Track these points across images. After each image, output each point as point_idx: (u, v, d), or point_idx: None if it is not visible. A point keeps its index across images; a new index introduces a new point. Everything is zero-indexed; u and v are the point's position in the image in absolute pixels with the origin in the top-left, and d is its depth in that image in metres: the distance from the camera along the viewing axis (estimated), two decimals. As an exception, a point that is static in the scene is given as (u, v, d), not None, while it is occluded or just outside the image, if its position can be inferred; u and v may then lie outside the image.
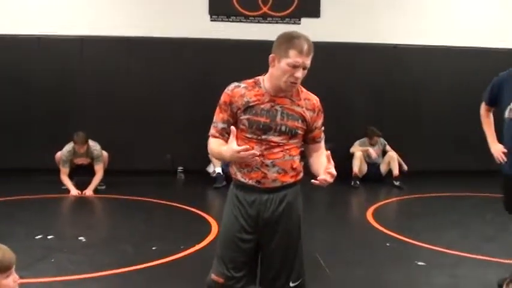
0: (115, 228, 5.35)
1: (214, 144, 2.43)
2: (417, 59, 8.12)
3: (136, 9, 7.81)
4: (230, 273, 2.43)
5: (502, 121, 3.49)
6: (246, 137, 2.39)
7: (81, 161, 6.70)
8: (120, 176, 7.10)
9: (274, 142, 2.38)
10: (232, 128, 2.29)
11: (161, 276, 3.86)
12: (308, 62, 2.33)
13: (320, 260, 4.14)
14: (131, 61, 7.74)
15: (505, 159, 3.43)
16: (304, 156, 2.58)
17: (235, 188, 2.48)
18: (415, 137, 8.06)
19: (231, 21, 7.97)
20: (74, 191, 6.49)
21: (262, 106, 2.38)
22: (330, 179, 2.25)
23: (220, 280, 2.44)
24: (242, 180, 2.42)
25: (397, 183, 7.33)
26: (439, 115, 8.14)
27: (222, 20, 7.97)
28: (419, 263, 4.16)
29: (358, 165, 7.49)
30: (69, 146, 6.62)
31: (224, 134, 2.41)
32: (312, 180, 2.28)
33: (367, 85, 8.08)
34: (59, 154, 6.68)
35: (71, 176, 6.66)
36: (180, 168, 7.79)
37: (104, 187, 6.83)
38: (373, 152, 7.59)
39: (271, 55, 2.38)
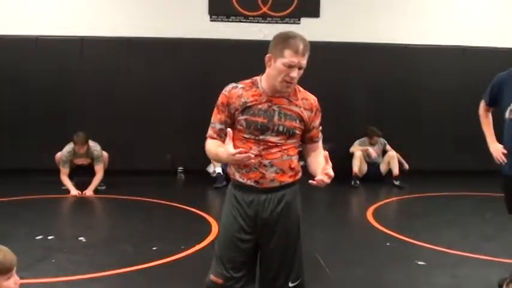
0: (115, 228, 5.35)
1: (212, 146, 2.43)
2: (417, 58, 8.12)
3: (136, 10, 7.81)
4: (229, 274, 2.43)
5: (502, 121, 3.48)
6: (244, 137, 2.40)
7: (81, 161, 6.70)
8: (120, 176, 7.10)
9: (272, 142, 2.38)
10: (229, 130, 2.29)
11: (161, 277, 3.86)
12: (304, 62, 2.33)
13: (320, 260, 4.14)
14: (131, 61, 7.75)
15: (505, 160, 3.42)
16: (303, 156, 2.59)
17: (233, 188, 2.48)
18: (415, 136, 8.06)
19: (230, 21, 7.97)
20: (74, 191, 6.49)
21: (259, 106, 2.38)
22: (327, 180, 2.25)
23: (219, 281, 2.44)
24: (240, 180, 2.43)
25: (397, 182, 7.33)
26: (440, 115, 8.14)
27: (222, 20, 7.97)
28: (420, 263, 4.16)
29: (358, 165, 7.49)
30: (69, 147, 6.62)
31: (222, 135, 2.40)
32: (310, 181, 2.28)
33: (366, 85, 8.09)
34: (58, 154, 6.68)
35: (71, 177, 6.66)
36: (180, 168, 7.79)
37: (104, 187, 6.83)
38: (372, 151, 7.59)
39: (267, 55, 2.38)
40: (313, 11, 8.05)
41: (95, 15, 7.70)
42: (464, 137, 7.86)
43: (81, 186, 6.59)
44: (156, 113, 7.74)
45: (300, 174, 2.49)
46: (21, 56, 7.52)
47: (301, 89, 2.49)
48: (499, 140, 3.56)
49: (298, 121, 2.42)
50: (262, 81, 2.43)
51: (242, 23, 7.95)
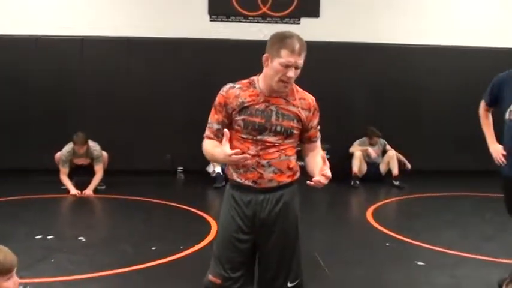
0: (115, 228, 5.35)
1: (209, 146, 2.43)
2: (417, 58, 8.11)
3: (136, 10, 7.81)
4: (227, 274, 2.43)
5: (502, 122, 3.48)
6: (242, 137, 2.40)
7: (81, 161, 6.70)
8: (120, 176, 7.10)
9: (269, 142, 2.38)
10: (226, 131, 2.29)
11: (161, 277, 3.86)
12: (300, 61, 2.33)
13: (319, 260, 4.14)
14: (131, 61, 7.74)
15: (504, 162, 3.42)
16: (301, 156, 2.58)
17: (231, 189, 2.48)
18: (415, 136, 8.06)
19: (230, 21, 7.97)
20: (74, 191, 6.49)
21: (257, 106, 2.38)
22: (324, 181, 2.25)
23: (218, 281, 2.44)
24: (238, 180, 2.43)
25: (396, 183, 7.33)
26: (439, 115, 8.14)
27: (222, 20, 7.97)
28: (419, 263, 4.16)
29: (357, 165, 7.49)
30: (68, 147, 6.62)
31: (219, 135, 2.40)
32: (307, 182, 2.28)
33: (366, 85, 8.08)
34: (58, 154, 6.68)
35: (70, 176, 6.66)
36: (179, 168, 7.79)
37: (103, 187, 6.83)
38: (372, 151, 7.59)
39: (264, 55, 2.38)
40: (313, 11, 8.05)
41: (94, 15, 7.70)
42: (464, 137, 7.85)
43: (81, 186, 6.59)
44: (156, 113, 7.74)
45: (298, 174, 2.49)
46: (21, 56, 7.52)
47: (299, 88, 2.49)
48: (499, 140, 3.55)
49: (295, 121, 2.41)
50: (260, 81, 2.43)
51: (242, 23, 7.95)
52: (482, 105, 3.67)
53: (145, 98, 7.74)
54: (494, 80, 3.53)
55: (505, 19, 8.33)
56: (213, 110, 2.46)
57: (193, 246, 4.43)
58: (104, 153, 6.82)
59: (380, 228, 5.23)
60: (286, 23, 7.97)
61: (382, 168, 7.67)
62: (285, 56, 2.29)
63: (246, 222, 2.42)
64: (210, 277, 2.47)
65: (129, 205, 6.17)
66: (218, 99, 2.44)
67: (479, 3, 8.36)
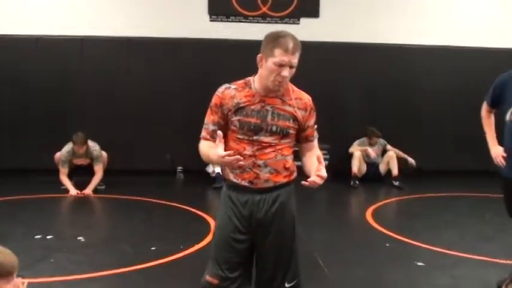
0: (114, 228, 5.35)
1: (205, 147, 2.43)
2: (417, 59, 8.11)
3: (136, 10, 7.80)
4: (225, 274, 2.43)
5: (503, 123, 3.47)
6: (238, 138, 2.40)
7: (81, 161, 6.70)
8: (120, 175, 7.10)
9: (265, 142, 2.38)
10: (219, 132, 2.28)
11: (160, 277, 3.86)
12: (294, 60, 2.32)
13: (319, 260, 4.14)
14: (131, 61, 7.74)
15: (504, 164, 3.41)
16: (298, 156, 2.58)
17: (228, 189, 2.48)
18: (414, 137, 8.05)
19: (230, 21, 7.98)
20: (73, 191, 6.49)
21: (252, 107, 2.38)
22: (319, 181, 2.25)
23: (215, 281, 2.44)
24: (235, 180, 2.43)
25: (396, 183, 7.32)
26: (439, 115, 8.14)
27: (222, 20, 7.97)
28: (419, 264, 4.16)
29: (357, 165, 7.49)
30: (68, 147, 6.61)
31: (215, 136, 2.38)
32: (302, 182, 2.27)
33: (366, 85, 8.08)
34: (58, 154, 6.68)
35: (70, 176, 6.66)
36: (179, 168, 7.79)
37: (103, 187, 6.83)
38: (372, 151, 7.58)
39: (258, 55, 2.38)
40: (313, 11, 8.05)
41: (94, 15, 7.70)
42: (463, 137, 7.86)
43: (81, 186, 6.59)
44: (156, 113, 7.74)
45: (295, 174, 2.49)
46: (21, 56, 7.52)
47: (295, 88, 2.48)
48: (500, 141, 3.54)
49: (291, 121, 2.41)
50: (255, 81, 2.42)
51: (242, 23, 7.95)
52: (485, 106, 3.66)
53: (145, 98, 7.74)
54: (496, 81, 3.53)
55: (504, 19, 8.33)
56: (208, 111, 2.46)
57: (193, 246, 4.43)
58: (104, 153, 6.82)
59: (380, 228, 5.23)
60: (286, 23, 7.97)
61: (382, 168, 7.67)
62: (278, 55, 2.29)
63: (243, 223, 2.42)
64: (208, 277, 2.47)
65: (128, 205, 6.17)
66: (214, 100, 2.45)
67: (479, 4, 8.36)
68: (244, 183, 2.40)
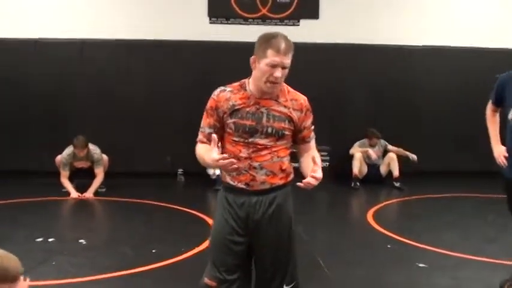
0: (115, 230, 5.35)
1: (201, 150, 2.43)
2: (417, 59, 8.11)
3: (135, 12, 7.81)
4: (223, 276, 2.42)
5: (505, 123, 3.46)
6: (234, 140, 2.40)
7: (81, 164, 6.69)
8: (120, 178, 7.10)
9: (261, 144, 2.37)
10: (213, 136, 2.28)
11: (161, 279, 3.86)
12: (287, 61, 2.31)
13: (320, 261, 4.14)
14: (131, 64, 7.75)
15: (506, 163, 3.40)
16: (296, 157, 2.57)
17: (225, 191, 2.48)
18: (415, 137, 8.04)
19: (230, 23, 7.98)
20: (74, 194, 6.48)
21: (247, 109, 2.38)
22: (314, 182, 2.24)
23: (213, 283, 2.44)
24: (231, 183, 2.42)
25: (397, 184, 7.32)
26: (440, 115, 8.13)
27: (221, 22, 7.97)
28: (420, 265, 4.16)
29: (358, 167, 7.48)
30: (69, 150, 6.61)
31: (211, 139, 2.41)
32: (297, 183, 2.28)
33: (366, 86, 8.08)
34: (59, 157, 6.68)
35: (71, 179, 6.66)
36: (180, 171, 7.78)
37: (104, 189, 6.83)
38: (372, 153, 7.57)
39: (251, 57, 2.38)
40: (312, 13, 8.05)
41: (95, 18, 7.70)
42: (465, 138, 7.86)
43: (82, 188, 6.58)
44: (156, 115, 7.74)
45: (292, 176, 2.48)
46: (21, 59, 7.53)
47: (290, 89, 2.48)
48: (504, 142, 3.53)
49: (287, 122, 2.40)
50: (250, 83, 2.42)
51: (241, 25, 7.96)
52: (489, 105, 3.64)
53: (146, 100, 7.74)
54: (498, 80, 3.52)
55: (505, 19, 8.33)
56: (204, 114, 2.47)
57: (194, 248, 4.42)
58: (105, 157, 6.82)
59: (381, 229, 5.22)
60: (285, 24, 7.97)
61: (383, 169, 7.66)
62: (270, 56, 2.29)
63: (240, 224, 2.42)
64: (206, 280, 2.47)
65: (129, 207, 6.16)
66: (209, 103, 2.45)
67: (479, 3, 8.36)
68: (241, 185, 2.40)
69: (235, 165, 2.24)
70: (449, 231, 5.20)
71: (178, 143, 7.63)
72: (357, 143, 7.70)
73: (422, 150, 7.84)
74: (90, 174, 6.67)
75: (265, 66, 2.30)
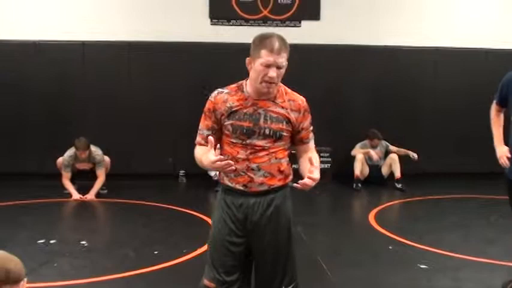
0: (117, 232, 5.35)
1: (199, 152, 2.43)
2: (418, 60, 8.11)
3: (136, 14, 7.81)
4: (221, 278, 2.42)
5: (509, 123, 3.46)
6: (232, 142, 2.41)
7: (83, 166, 6.70)
8: (122, 180, 7.11)
9: (258, 146, 2.38)
10: (210, 138, 2.29)
11: (163, 281, 3.86)
12: (280, 60, 2.31)
13: (321, 263, 4.13)
14: (132, 66, 7.75)
15: (508, 164, 3.40)
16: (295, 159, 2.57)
17: (223, 193, 2.49)
18: (416, 138, 8.03)
19: (231, 25, 7.98)
20: (76, 195, 6.49)
21: (245, 110, 2.39)
22: (311, 183, 2.25)
23: (212, 285, 2.44)
24: (229, 184, 2.43)
25: (399, 185, 7.31)
26: (441, 116, 8.13)
27: (223, 24, 7.98)
28: (422, 266, 4.15)
29: (359, 168, 7.47)
30: (70, 151, 6.62)
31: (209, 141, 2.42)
32: (294, 184, 2.28)
33: (367, 87, 8.08)
34: (60, 159, 6.69)
35: (73, 181, 6.67)
36: (181, 172, 7.79)
37: (105, 191, 6.83)
38: (374, 153, 7.57)
39: (247, 58, 2.39)
40: (314, 14, 8.05)
41: (95, 20, 7.71)
42: (467, 139, 7.86)
43: (83, 190, 6.59)
44: (158, 116, 7.75)
45: (290, 177, 2.48)
46: (21, 61, 7.53)
47: (288, 90, 2.48)
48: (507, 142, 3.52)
49: (284, 123, 2.40)
50: (247, 85, 2.43)
51: (243, 27, 7.96)
52: (494, 105, 3.63)
53: (147, 102, 7.74)
54: (502, 80, 3.51)
55: (505, 20, 8.32)
56: (203, 116, 2.48)
57: (196, 250, 4.42)
58: (107, 158, 6.82)
59: (382, 231, 5.22)
60: (287, 26, 7.98)
61: (384, 170, 7.65)
62: (264, 56, 2.29)
63: (238, 226, 2.42)
64: (205, 281, 2.47)
65: (131, 209, 6.17)
66: (207, 105, 2.46)
67: (480, 5, 8.36)
68: (239, 186, 2.40)
69: (233, 167, 2.25)
70: (451, 233, 5.19)
71: (179, 144, 7.64)
72: (358, 144, 7.70)
73: (424, 151, 7.83)
74: (92, 176, 6.67)
75: (259, 66, 2.31)
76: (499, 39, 8.16)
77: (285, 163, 2.44)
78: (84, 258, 4.30)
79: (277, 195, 2.43)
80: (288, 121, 2.41)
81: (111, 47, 7.70)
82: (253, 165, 2.37)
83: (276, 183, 2.42)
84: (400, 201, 6.81)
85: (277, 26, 7.92)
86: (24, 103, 7.58)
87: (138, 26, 7.74)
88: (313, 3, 8.05)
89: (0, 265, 1.82)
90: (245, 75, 2.78)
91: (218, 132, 2.43)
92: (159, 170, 7.72)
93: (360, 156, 7.54)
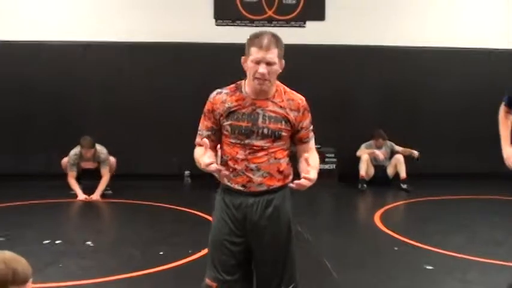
0: (122, 233, 5.36)
1: (198, 153, 2.44)
2: (423, 60, 8.09)
3: (140, 14, 7.83)
4: (222, 277, 2.42)
5: None
6: (231, 142, 2.41)
7: (88, 165, 6.71)
8: (127, 180, 7.12)
9: (257, 146, 2.37)
10: (205, 140, 2.30)
11: (169, 281, 3.86)
12: (269, 56, 2.31)
13: (327, 264, 4.13)
14: (136, 66, 7.77)
15: None
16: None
17: (222, 192, 2.49)
18: (422, 138, 8.01)
19: (236, 25, 7.99)
20: (82, 196, 6.51)
21: (243, 110, 2.39)
22: (307, 183, 2.24)
23: (214, 284, 2.44)
24: (228, 184, 2.43)
25: (404, 186, 7.29)
26: (447, 117, 8.11)
27: (227, 24, 7.99)
28: (428, 267, 4.14)
29: (364, 168, 7.46)
30: (75, 150, 6.64)
31: (208, 142, 2.41)
32: (290, 185, 2.28)
33: (373, 87, 8.07)
34: (65, 160, 6.71)
35: (78, 181, 6.68)
36: (187, 172, 7.79)
37: (110, 192, 6.84)
38: (380, 153, 7.55)
39: (242, 57, 2.41)
40: (318, 15, 8.05)
41: (98, 20, 7.73)
42: (472, 139, 7.84)
43: (88, 190, 6.60)
44: (163, 117, 7.76)
45: (291, 178, 2.46)
46: (26, 62, 7.56)
47: (287, 89, 2.47)
48: None
49: (283, 123, 2.39)
50: (245, 84, 2.44)
51: (247, 27, 7.96)
52: (502, 107, 3.62)
53: (151, 102, 7.76)
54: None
55: (510, 21, 8.28)
56: (202, 117, 2.49)
57: (201, 250, 4.42)
58: (112, 159, 6.84)
59: (388, 231, 5.21)
60: (291, 26, 7.98)
61: (390, 171, 7.63)
62: (254, 53, 2.32)
63: (237, 225, 2.42)
64: (207, 280, 2.48)
65: (136, 210, 6.18)
66: (206, 106, 2.47)
67: (485, 5, 8.32)
68: (238, 186, 2.40)
69: (226, 172, 2.30)
70: (457, 233, 5.17)
71: (184, 144, 7.57)
72: (364, 145, 7.69)
73: (429, 151, 7.82)
74: (97, 175, 6.68)
75: (251, 63, 2.34)
76: (505, 39, 8.12)
77: (284, 163, 2.43)
78: (90, 258, 4.31)
79: (276, 195, 2.42)
80: (287, 120, 2.40)
81: (115, 48, 7.72)
82: (252, 166, 2.37)
83: (275, 183, 2.41)
84: (406, 202, 6.79)
85: (281, 26, 7.92)
86: (29, 104, 7.61)
87: (142, 27, 7.76)
88: (318, 3, 8.05)
89: (7, 266, 1.83)
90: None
91: (218, 133, 2.44)
92: (164, 170, 7.73)
93: (365, 157, 7.52)
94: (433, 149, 7.99)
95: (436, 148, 8.03)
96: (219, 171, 2.27)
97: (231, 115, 2.39)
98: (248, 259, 2.47)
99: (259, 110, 2.38)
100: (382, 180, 7.57)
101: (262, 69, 2.31)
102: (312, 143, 2.52)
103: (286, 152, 2.45)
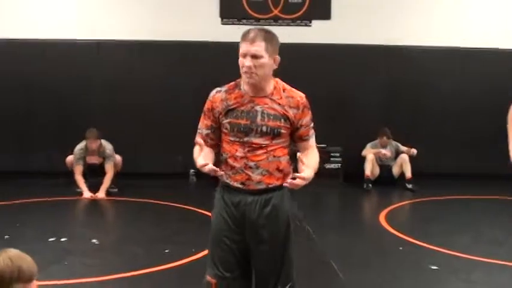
0: (127, 231, 5.37)
1: (196, 153, 2.44)
2: (428, 60, 8.05)
3: (147, 14, 7.85)
4: (222, 274, 2.43)
5: None
6: (230, 140, 2.41)
7: (93, 159, 6.72)
8: (132, 179, 7.13)
9: (256, 144, 2.37)
10: (201, 141, 2.32)
11: (173, 280, 3.87)
12: (254, 48, 2.31)
13: (332, 263, 4.12)
14: (143, 65, 7.78)
15: None
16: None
17: (221, 190, 2.49)
18: (428, 138, 7.99)
19: (242, 24, 7.98)
20: (87, 194, 6.52)
21: (242, 108, 2.39)
22: (300, 183, 2.25)
23: (213, 281, 2.44)
24: (227, 182, 2.44)
25: (409, 186, 7.27)
26: (453, 116, 8.07)
27: (233, 23, 7.99)
28: (433, 267, 4.12)
29: (370, 168, 7.44)
30: (81, 144, 6.68)
31: (208, 141, 2.43)
32: (284, 184, 2.28)
33: (378, 86, 8.05)
34: (70, 157, 6.73)
35: (84, 178, 6.67)
36: (192, 171, 7.80)
37: (115, 190, 6.86)
38: (386, 151, 7.52)
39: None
40: (324, 13, 8.03)
41: (106, 19, 7.75)
42: (477, 139, 7.80)
43: (94, 188, 6.62)
44: (168, 115, 7.77)
45: (290, 176, 2.43)
46: (30, 60, 7.58)
47: (287, 86, 2.46)
48: None
49: (282, 120, 2.38)
50: (243, 82, 2.43)
51: (253, 26, 7.93)
52: (511, 107, 3.60)
53: (157, 101, 7.77)
54: None
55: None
56: (202, 116, 2.50)
57: (205, 249, 4.42)
58: (118, 157, 6.85)
59: (393, 231, 5.19)
60: (297, 25, 7.97)
61: (395, 171, 7.61)
62: (241, 48, 2.35)
63: (236, 223, 2.42)
64: (208, 277, 2.48)
65: (141, 208, 6.19)
66: (206, 104, 2.48)
67: (492, 5, 8.27)
68: (237, 184, 2.40)
69: (220, 172, 2.32)
70: (462, 233, 5.16)
71: (190, 143, 7.55)
72: (369, 145, 7.67)
73: (435, 151, 7.79)
74: (101, 172, 6.69)
75: (239, 58, 2.36)
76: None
77: (284, 161, 2.42)
78: (95, 256, 4.32)
79: (275, 194, 2.41)
80: (286, 118, 2.39)
81: (121, 47, 7.74)
82: (251, 163, 2.37)
83: (275, 182, 2.39)
84: (411, 202, 6.77)
85: (287, 25, 7.91)
86: (34, 102, 7.65)
87: (149, 26, 7.77)
88: (323, 2, 8.03)
89: (13, 264, 1.83)
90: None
91: (217, 131, 2.45)
92: (169, 169, 7.74)
93: (371, 157, 7.51)
94: (439, 148, 7.97)
95: (442, 148, 8.00)
96: (214, 171, 2.27)
97: (230, 113, 2.39)
98: (247, 257, 2.47)
99: (257, 108, 2.38)
100: (387, 180, 7.54)
101: (248, 62, 2.32)
102: (312, 141, 2.50)
103: (286, 150, 2.44)
